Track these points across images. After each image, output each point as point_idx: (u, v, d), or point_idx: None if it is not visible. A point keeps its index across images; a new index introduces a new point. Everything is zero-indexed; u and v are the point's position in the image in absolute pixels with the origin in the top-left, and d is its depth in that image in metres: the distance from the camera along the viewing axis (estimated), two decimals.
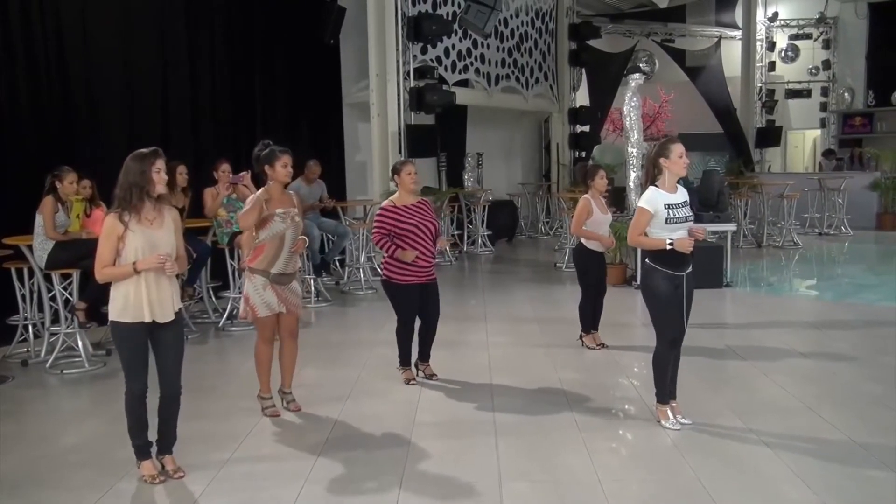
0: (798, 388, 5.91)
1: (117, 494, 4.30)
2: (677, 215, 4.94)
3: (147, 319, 4.24)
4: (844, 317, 8.40)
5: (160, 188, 4.28)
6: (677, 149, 4.95)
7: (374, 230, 6.04)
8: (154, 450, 4.52)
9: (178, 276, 4.50)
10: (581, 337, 7.21)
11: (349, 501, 4.22)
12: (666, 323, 5.04)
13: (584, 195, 7.11)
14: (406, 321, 6.14)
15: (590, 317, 7.16)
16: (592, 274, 7.11)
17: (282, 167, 5.29)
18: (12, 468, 4.71)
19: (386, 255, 5.99)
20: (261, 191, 5.36)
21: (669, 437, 4.96)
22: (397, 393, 6.01)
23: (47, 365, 6.83)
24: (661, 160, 4.97)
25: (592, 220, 6.97)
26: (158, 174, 4.25)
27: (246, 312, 5.39)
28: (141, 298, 4.22)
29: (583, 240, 7.11)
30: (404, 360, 6.28)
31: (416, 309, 6.10)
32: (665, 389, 5.16)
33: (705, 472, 4.40)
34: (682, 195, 5.04)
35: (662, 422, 5.13)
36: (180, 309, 4.46)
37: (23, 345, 7.33)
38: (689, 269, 5.04)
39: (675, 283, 4.98)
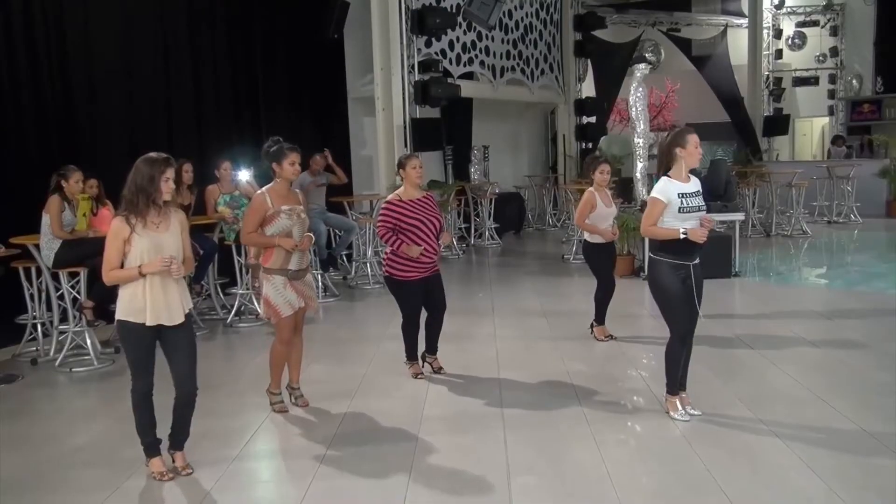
0: (807, 378, 5.87)
1: (126, 493, 4.31)
2: (690, 204, 4.92)
3: (149, 323, 4.24)
4: (854, 305, 8.34)
5: (167, 196, 4.29)
6: (693, 139, 4.94)
7: (378, 224, 6.01)
8: (164, 445, 4.53)
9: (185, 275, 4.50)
10: (592, 326, 7.20)
11: (358, 496, 4.22)
12: (676, 316, 5.01)
13: (590, 188, 7.09)
14: (410, 316, 6.14)
15: (605, 307, 7.14)
16: (603, 268, 7.10)
17: (289, 165, 5.28)
18: (21, 468, 4.73)
19: (390, 249, 5.98)
20: (263, 189, 5.36)
21: (678, 428, 4.94)
22: (405, 388, 6.01)
23: (56, 363, 6.86)
24: (678, 150, 4.94)
25: (596, 214, 6.96)
26: (167, 183, 4.26)
27: (268, 314, 5.36)
28: (144, 301, 4.23)
29: (586, 235, 7.10)
30: (411, 355, 6.28)
31: (419, 304, 6.10)
32: (675, 381, 5.14)
33: (714, 462, 4.38)
34: (694, 185, 5.02)
35: (671, 413, 5.12)
36: (190, 310, 4.46)
37: (32, 344, 7.36)
38: (697, 260, 5.02)
39: (681, 274, 4.96)
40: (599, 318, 7.17)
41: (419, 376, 6.19)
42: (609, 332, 7.15)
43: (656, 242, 5.06)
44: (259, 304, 5.44)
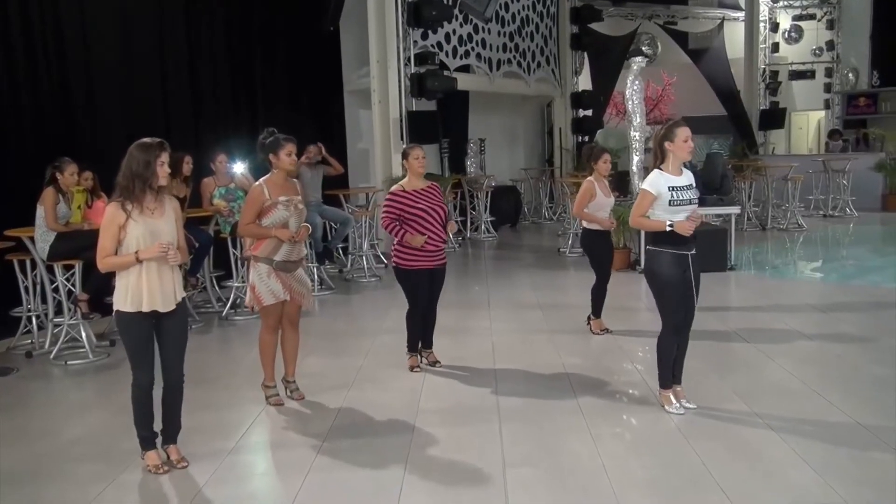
0: (803, 371, 5.88)
1: (121, 486, 4.31)
2: (681, 197, 4.93)
3: (146, 309, 4.23)
4: (849, 299, 8.36)
5: (163, 181, 4.27)
6: (682, 133, 4.93)
7: (382, 215, 6.04)
8: (159, 440, 4.53)
9: (180, 266, 4.49)
10: (589, 319, 7.20)
11: (353, 489, 4.21)
12: (671, 307, 5.02)
13: (588, 178, 7.09)
14: (416, 306, 6.14)
15: (602, 300, 7.14)
16: (603, 256, 7.11)
17: (286, 155, 5.28)
18: (17, 461, 4.72)
19: (395, 239, 5.99)
20: (261, 180, 5.35)
21: (674, 421, 4.94)
22: (401, 380, 6.01)
23: (51, 356, 6.84)
24: (666, 144, 4.96)
25: (595, 203, 6.96)
26: (162, 167, 4.24)
27: (251, 301, 5.38)
28: (141, 288, 4.22)
29: (584, 223, 7.11)
30: (412, 346, 6.28)
31: (426, 294, 6.11)
32: (668, 374, 5.15)
33: (710, 456, 4.39)
34: (687, 178, 5.04)
35: (666, 406, 5.12)
36: (183, 298, 4.45)
37: (27, 336, 7.33)
38: (694, 251, 5.03)
39: (682, 265, 4.97)
40: (596, 311, 7.18)
41: (416, 369, 6.19)
42: (605, 325, 7.16)
43: (652, 234, 5.07)
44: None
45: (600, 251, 7.11)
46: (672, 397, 5.14)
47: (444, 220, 6.05)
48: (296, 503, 4.05)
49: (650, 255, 5.12)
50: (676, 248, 4.95)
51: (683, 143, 4.93)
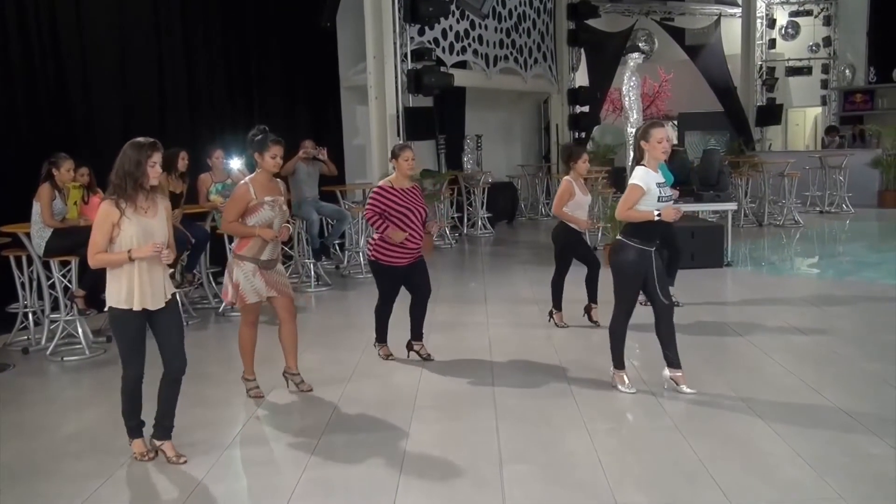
0: (798, 367, 5.90)
1: (118, 481, 4.31)
2: (666, 194, 5.14)
3: (137, 307, 4.26)
4: (845, 294, 8.37)
5: (154, 181, 4.28)
6: (657, 133, 5.07)
7: (367, 207, 6.12)
8: (149, 433, 4.56)
9: (171, 263, 4.51)
10: (551, 314, 7.32)
11: (350, 484, 4.22)
12: (628, 295, 5.25)
13: (566, 177, 7.16)
14: (386, 300, 6.30)
15: (561, 293, 7.27)
16: (577, 251, 7.22)
17: (270, 157, 5.28)
18: (13, 457, 4.72)
19: (378, 232, 6.06)
20: (246, 179, 5.39)
21: (670, 416, 4.96)
22: (398, 375, 6.02)
23: (48, 352, 6.84)
24: (642, 143, 5.12)
25: (574, 202, 7.07)
26: (154, 168, 4.25)
27: (235, 298, 5.40)
28: (133, 286, 4.24)
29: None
30: (381, 337, 6.43)
31: (397, 290, 6.26)
32: (621, 356, 5.38)
33: (706, 451, 4.40)
34: (660, 176, 5.22)
35: (619, 386, 5.35)
36: (173, 294, 4.49)
37: (23, 332, 7.33)
38: (656, 248, 5.23)
39: (644, 261, 5.14)
40: (557, 303, 7.30)
41: (390, 357, 6.34)
42: (598, 318, 7.20)
43: (629, 228, 5.20)
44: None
45: (565, 243, 7.19)
46: (625, 377, 5.37)
47: (424, 221, 6.18)
48: (293, 499, 4.05)
49: (618, 246, 5.25)
50: (643, 244, 5.13)
51: (658, 143, 5.06)
